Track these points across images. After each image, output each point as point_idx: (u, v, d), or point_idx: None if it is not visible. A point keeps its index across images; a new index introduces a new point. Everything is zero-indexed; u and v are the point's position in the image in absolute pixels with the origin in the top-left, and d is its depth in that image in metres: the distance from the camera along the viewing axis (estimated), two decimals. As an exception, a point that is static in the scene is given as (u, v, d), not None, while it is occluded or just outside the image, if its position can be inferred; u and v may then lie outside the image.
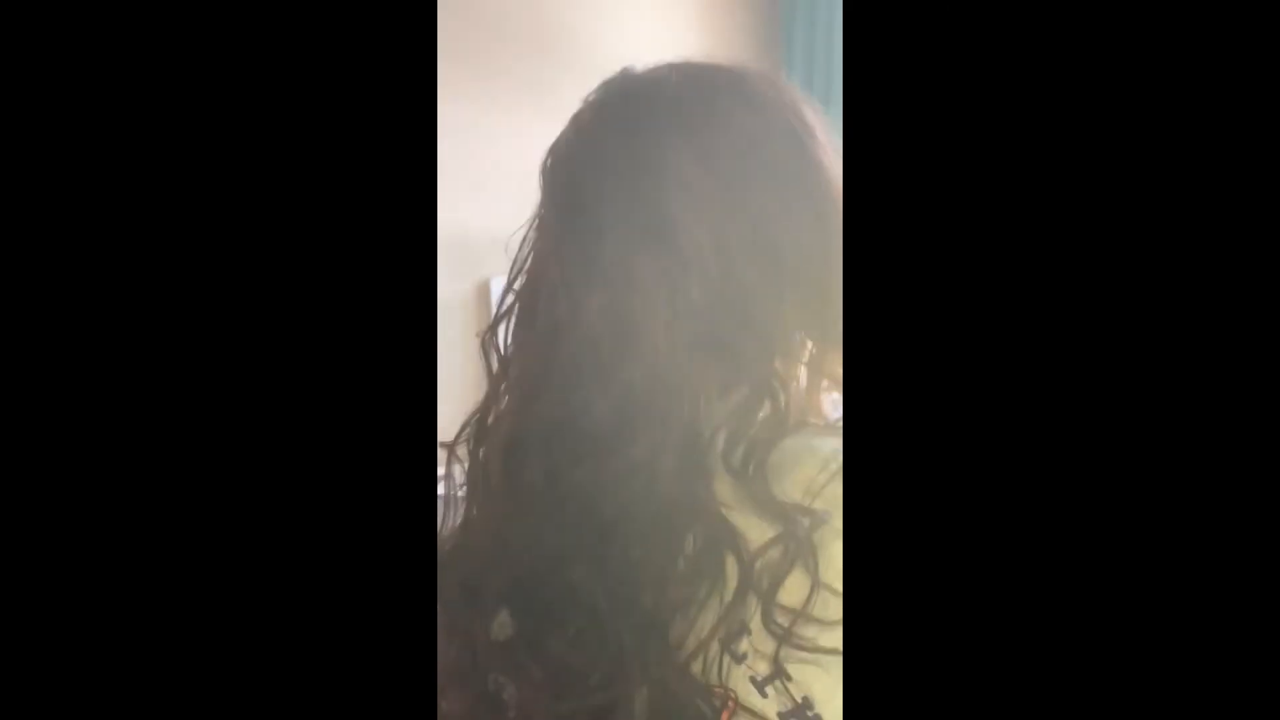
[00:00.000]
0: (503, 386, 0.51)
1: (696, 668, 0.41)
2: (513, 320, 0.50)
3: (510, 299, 0.51)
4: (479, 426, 0.51)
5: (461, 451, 0.53)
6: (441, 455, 0.54)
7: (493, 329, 0.51)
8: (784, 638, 0.39)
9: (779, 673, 0.40)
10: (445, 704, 0.49)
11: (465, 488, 0.52)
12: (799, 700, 0.40)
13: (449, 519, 0.54)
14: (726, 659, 0.41)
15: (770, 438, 0.42)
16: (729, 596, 0.41)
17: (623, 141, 0.45)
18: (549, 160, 0.49)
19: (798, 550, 0.40)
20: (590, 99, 0.49)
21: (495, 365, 0.51)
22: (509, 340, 0.51)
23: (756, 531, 0.42)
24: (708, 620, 0.41)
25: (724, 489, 0.43)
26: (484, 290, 1.81)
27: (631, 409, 0.41)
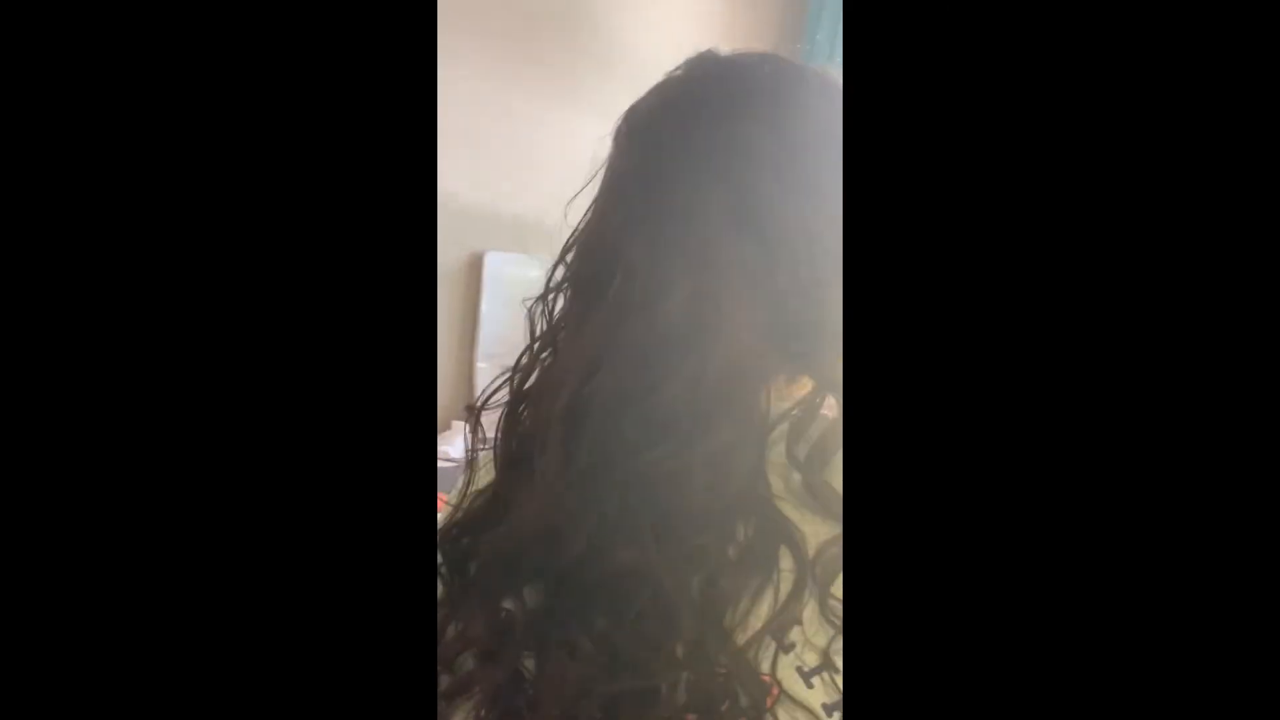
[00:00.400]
0: (544, 355, 0.50)
1: (748, 656, 0.40)
2: (566, 290, 0.48)
3: (562, 270, 0.50)
4: (517, 393, 0.50)
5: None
6: (443, 420, 0.52)
7: (544, 298, 0.50)
8: (841, 628, 0.39)
9: (826, 664, 0.40)
10: (447, 681, 0.47)
11: (498, 452, 0.51)
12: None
13: (468, 483, 0.53)
14: (775, 648, 0.40)
15: (836, 433, 0.41)
16: (785, 587, 0.40)
17: (714, 121, 0.43)
18: (625, 128, 0.47)
19: None
20: (677, 74, 0.47)
21: (539, 332, 0.50)
22: (554, 309, 0.50)
23: (809, 524, 0.41)
24: (762, 610, 0.41)
25: (777, 480, 0.42)
26: (476, 263, 1.78)
27: (706, 394, 0.40)
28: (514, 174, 1.75)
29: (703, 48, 0.50)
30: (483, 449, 0.54)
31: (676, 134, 0.44)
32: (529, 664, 0.45)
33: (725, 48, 0.51)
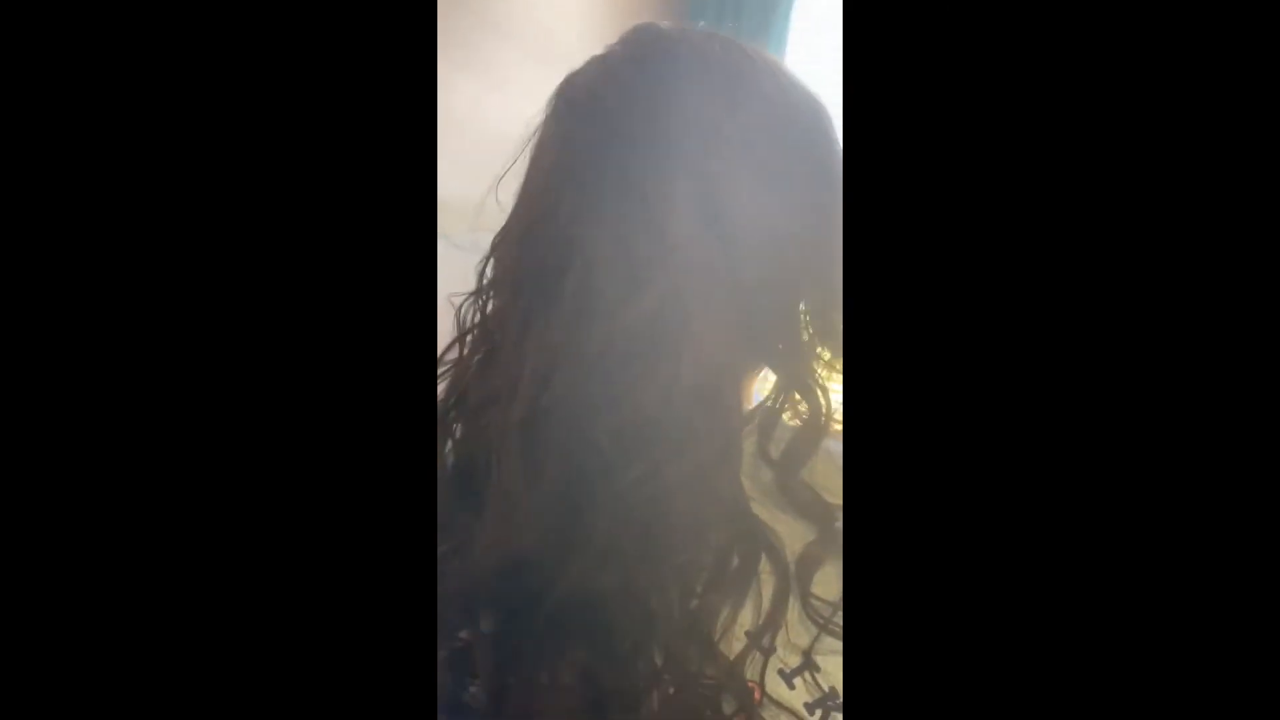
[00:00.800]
0: (477, 358, 0.46)
1: (737, 666, 0.39)
2: (501, 284, 0.44)
3: (492, 266, 0.45)
4: (449, 396, 0.46)
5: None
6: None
7: (479, 294, 0.45)
8: (824, 626, 0.38)
9: (808, 664, 0.39)
10: None
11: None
12: (826, 690, 0.39)
13: None
14: (757, 653, 0.39)
15: (810, 432, 0.40)
16: (766, 592, 0.39)
17: (673, 103, 0.40)
18: (566, 106, 0.43)
19: (832, 544, 0.39)
20: (619, 48, 0.44)
21: (471, 336, 0.46)
22: (487, 308, 0.46)
23: (782, 524, 0.40)
24: (744, 617, 0.39)
25: (746, 480, 0.41)
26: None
27: (682, 401, 0.38)
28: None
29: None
30: None
31: (632, 116, 0.41)
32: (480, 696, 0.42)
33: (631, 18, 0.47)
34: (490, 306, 0.45)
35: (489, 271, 0.46)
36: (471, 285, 0.47)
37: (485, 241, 0.48)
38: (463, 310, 0.46)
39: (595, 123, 0.42)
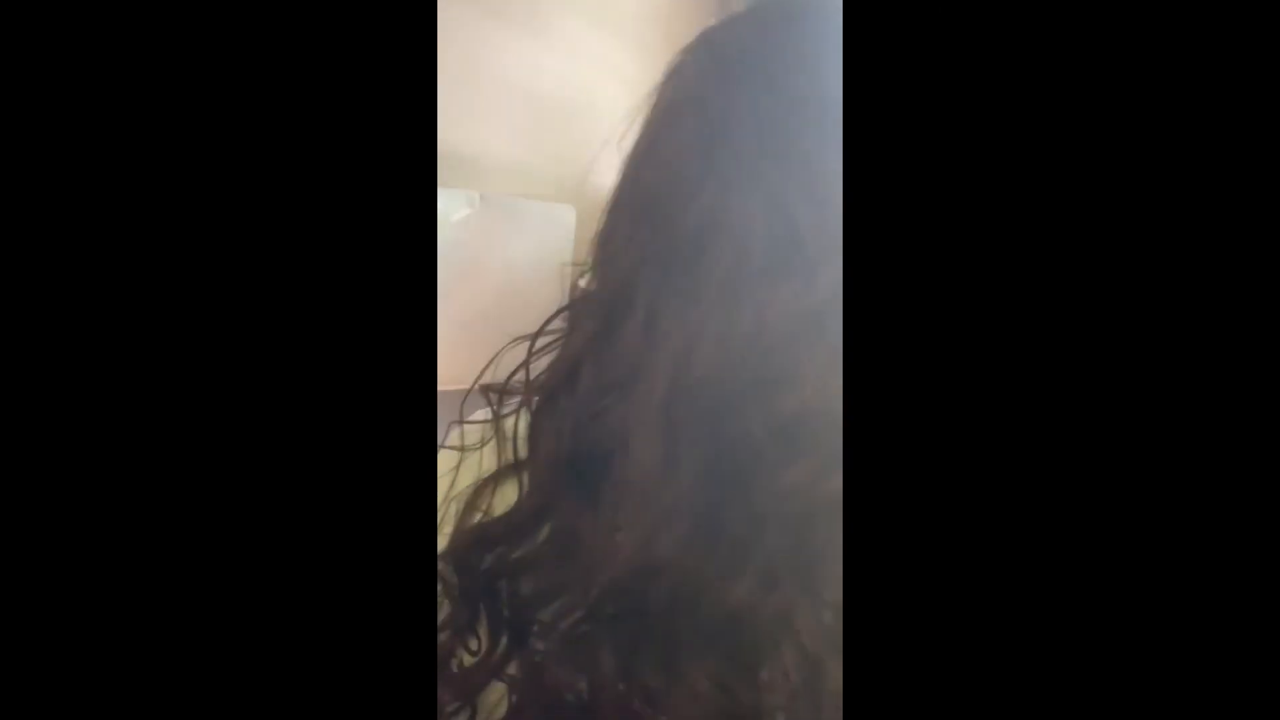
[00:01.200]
0: (591, 334, 0.43)
1: None
2: (631, 259, 0.40)
3: (612, 234, 0.42)
4: (564, 373, 0.42)
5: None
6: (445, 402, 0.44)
7: (601, 264, 0.42)
8: None
9: None
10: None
11: (535, 451, 0.43)
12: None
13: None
14: None
15: None
16: None
17: (829, 64, 0.36)
18: (704, 64, 0.39)
19: None
20: (767, 4, 0.40)
21: (584, 309, 0.43)
22: (606, 279, 0.42)
23: None
24: None
25: None
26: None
27: (838, 394, 0.34)
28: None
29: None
30: (477, 420, 0.46)
31: (790, 75, 0.37)
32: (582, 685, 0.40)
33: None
34: (611, 278, 0.42)
35: (608, 240, 0.42)
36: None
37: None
38: (577, 282, 0.43)
39: (747, 82, 0.38)
